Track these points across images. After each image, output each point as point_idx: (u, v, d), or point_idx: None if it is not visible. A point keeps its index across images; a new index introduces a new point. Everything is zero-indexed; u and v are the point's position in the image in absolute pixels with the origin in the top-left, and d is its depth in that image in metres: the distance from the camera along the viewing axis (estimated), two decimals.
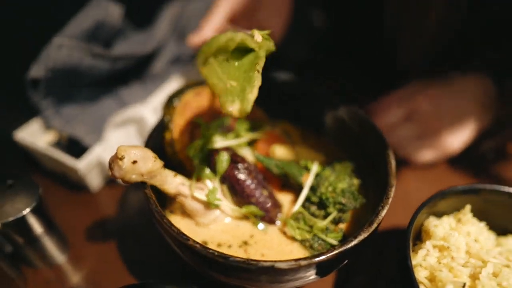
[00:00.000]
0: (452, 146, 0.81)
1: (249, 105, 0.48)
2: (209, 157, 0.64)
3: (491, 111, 0.81)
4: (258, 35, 0.51)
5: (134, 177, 0.54)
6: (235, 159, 0.64)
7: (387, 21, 0.90)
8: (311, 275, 0.54)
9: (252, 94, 0.48)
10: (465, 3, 0.77)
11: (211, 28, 0.81)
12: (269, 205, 0.64)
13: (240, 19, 0.87)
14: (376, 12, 0.92)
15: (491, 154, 0.87)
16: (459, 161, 0.85)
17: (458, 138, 0.80)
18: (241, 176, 0.63)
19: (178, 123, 0.67)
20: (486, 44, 0.84)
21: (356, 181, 0.65)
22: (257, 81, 0.49)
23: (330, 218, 0.61)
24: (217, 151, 0.64)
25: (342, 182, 0.62)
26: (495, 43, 0.84)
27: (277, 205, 0.65)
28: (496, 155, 0.88)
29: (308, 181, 0.65)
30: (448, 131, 0.80)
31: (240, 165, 0.63)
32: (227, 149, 0.66)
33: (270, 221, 0.64)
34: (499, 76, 0.81)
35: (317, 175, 0.65)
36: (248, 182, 0.63)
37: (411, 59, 0.91)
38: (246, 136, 0.72)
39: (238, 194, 0.64)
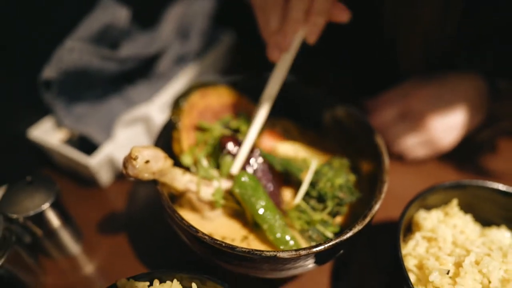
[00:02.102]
0: (444, 144, 0.85)
1: None
2: (220, 145, 0.69)
3: (482, 110, 0.85)
4: None
5: (146, 176, 0.59)
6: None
7: (385, 20, 0.93)
8: (310, 263, 0.59)
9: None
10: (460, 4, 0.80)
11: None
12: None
13: None
14: (375, 11, 0.94)
15: (488, 143, 0.92)
16: (449, 157, 0.90)
17: (449, 136, 0.85)
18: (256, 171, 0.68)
19: (185, 123, 0.71)
20: (480, 45, 0.88)
21: (352, 177, 0.70)
22: None
23: (327, 210, 0.66)
24: (227, 138, 0.68)
25: (340, 178, 0.67)
26: (489, 44, 0.87)
27: (279, 203, 0.70)
28: (493, 144, 0.93)
29: (307, 177, 0.69)
30: (439, 129, 0.84)
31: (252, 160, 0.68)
32: (235, 139, 0.70)
33: None
34: (491, 75, 0.85)
35: (316, 172, 0.70)
36: (259, 175, 0.68)
37: (409, 58, 0.94)
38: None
39: None
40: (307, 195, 0.68)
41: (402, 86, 0.92)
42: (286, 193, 0.73)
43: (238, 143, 0.69)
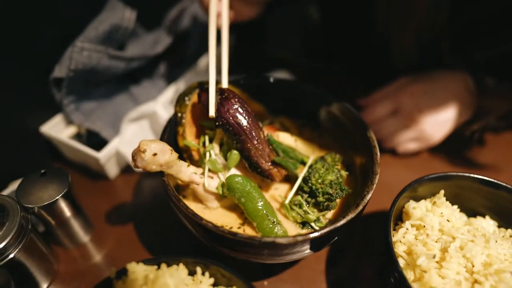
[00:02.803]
0: (433, 138, 0.90)
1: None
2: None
3: (470, 105, 0.89)
4: None
5: (154, 167, 0.63)
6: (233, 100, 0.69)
7: (378, 15, 0.95)
8: (306, 249, 0.63)
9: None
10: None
11: None
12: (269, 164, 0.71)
13: None
14: (367, 8, 0.98)
15: (476, 137, 0.96)
16: (440, 150, 0.94)
17: (439, 131, 0.89)
18: (237, 111, 0.69)
19: (188, 119, 0.76)
20: (469, 43, 0.92)
21: (344, 173, 0.74)
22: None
23: (319, 214, 0.71)
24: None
25: (331, 174, 0.71)
26: (477, 42, 0.92)
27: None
28: (481, 138, 0.97)
29: (301, 173, 0.74)
30: (430, 124, 0.89)
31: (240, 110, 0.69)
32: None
33: (271, 178, 0.72)
34: (478, 73, 0.89)
35: (310, 167, 0.74)
36: (241, 117, 0.69)
37: (402, 54, 0.98)
38: None
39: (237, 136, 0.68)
40: (301, 190, 0.73)
41: (394, 84, 0.96)
42: (283, 187, 0.77)
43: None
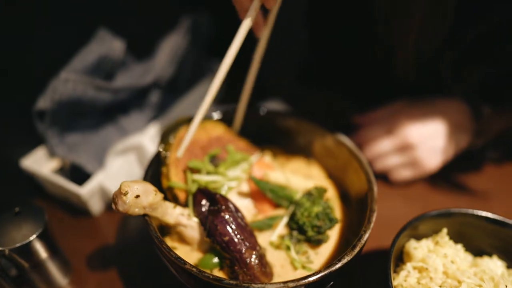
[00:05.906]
0: (428, 166, 0.86)
1: None
2: (194, 198, 0.68)
3: (468, 134, 0.86)
4: None
5: (137, 210, 0.58)
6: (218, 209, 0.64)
7: (378, 27, 0.90)
8: None
9: None
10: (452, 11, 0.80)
11: None
12: (243, 250, 0.62)
13: None
14: (369, 20, 0.94)
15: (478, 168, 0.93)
16: (438, 181, 0.90)
17: (434, 158, 0.86)
18: (228, 229, 0.62)
19: (173, 158, 0.72)
20: (466, 65, 0.89)
21: (332, 204, 0.71)
22: None
23: (312, 251, 0.67)
24: (199, 193, 0.68)
25: (317, 206, 0.68)
26: (475, 69, 0.89)
27: (253, 247, 0.64)
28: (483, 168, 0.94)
29: (287, 211, 0.71)
30: (425, 150, 0.85)
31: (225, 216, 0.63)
32: (207, 192, 0.68)
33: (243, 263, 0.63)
34: (475, 101, 0.87)
35: (296, 203, 0.71)
36: (233, 235, 0.62)
37: (402, 68, 0.92)
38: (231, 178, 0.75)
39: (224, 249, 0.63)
40: (290, 228, 0.70)
41: (391, 106, 0.93)
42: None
43: (210, 196, 0.67)
